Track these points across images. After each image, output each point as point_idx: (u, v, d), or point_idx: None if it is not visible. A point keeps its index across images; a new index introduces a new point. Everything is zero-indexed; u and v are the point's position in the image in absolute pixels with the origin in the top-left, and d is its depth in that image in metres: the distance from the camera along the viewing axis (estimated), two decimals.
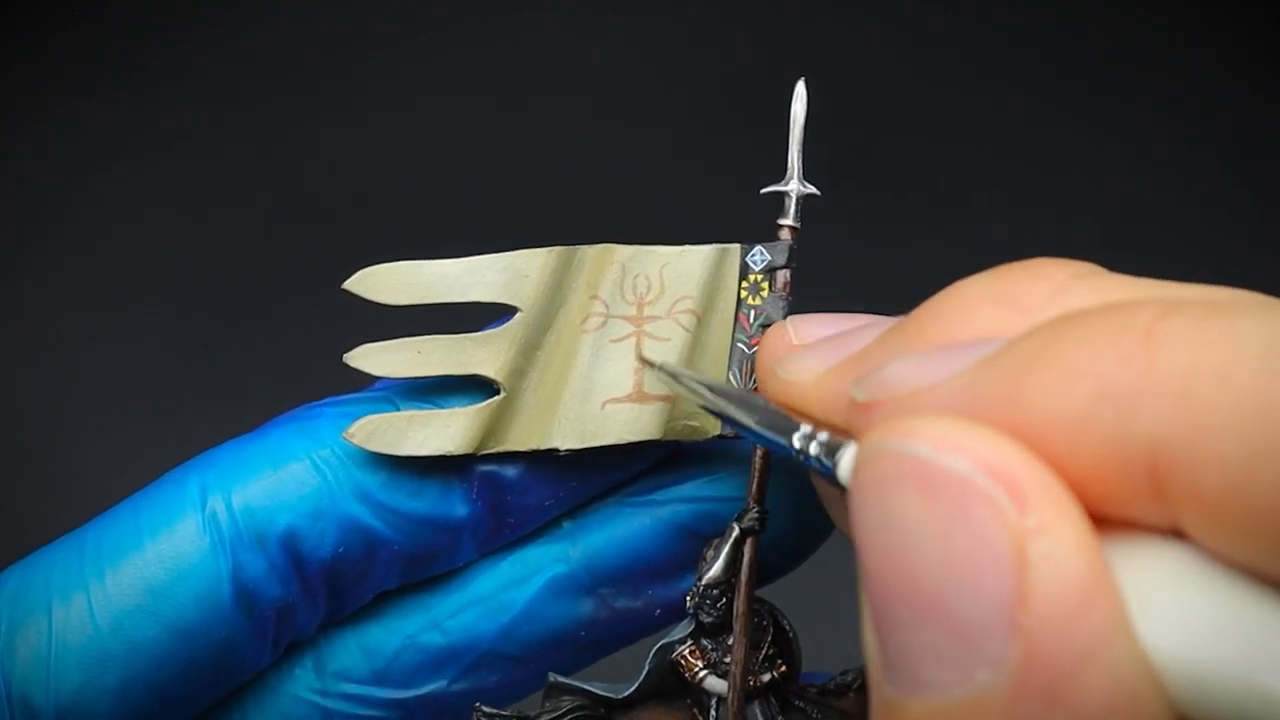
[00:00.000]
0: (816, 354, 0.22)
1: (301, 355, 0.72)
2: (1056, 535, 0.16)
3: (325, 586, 0.28)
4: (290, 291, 0.75)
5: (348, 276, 0.28)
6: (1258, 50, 0.77)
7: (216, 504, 0.27)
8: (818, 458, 0.20)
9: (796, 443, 0.21)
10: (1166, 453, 0.16)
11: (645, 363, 0.28)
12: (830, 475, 0.20)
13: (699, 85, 0.80)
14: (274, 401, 0.69)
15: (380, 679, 0.29)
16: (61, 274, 0.74)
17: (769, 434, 0.22)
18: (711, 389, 0.24)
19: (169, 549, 0.27)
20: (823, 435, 0.20)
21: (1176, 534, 0.16)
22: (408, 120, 0.80)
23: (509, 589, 0.29)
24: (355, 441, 0.27)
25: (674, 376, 0.26)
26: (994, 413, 0.17)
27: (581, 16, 0.81)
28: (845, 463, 0.19)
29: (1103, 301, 0.18)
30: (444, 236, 0.75)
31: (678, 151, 0.79)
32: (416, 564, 0.28)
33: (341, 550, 0.27)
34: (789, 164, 0.29)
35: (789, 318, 0.26)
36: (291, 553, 0.27)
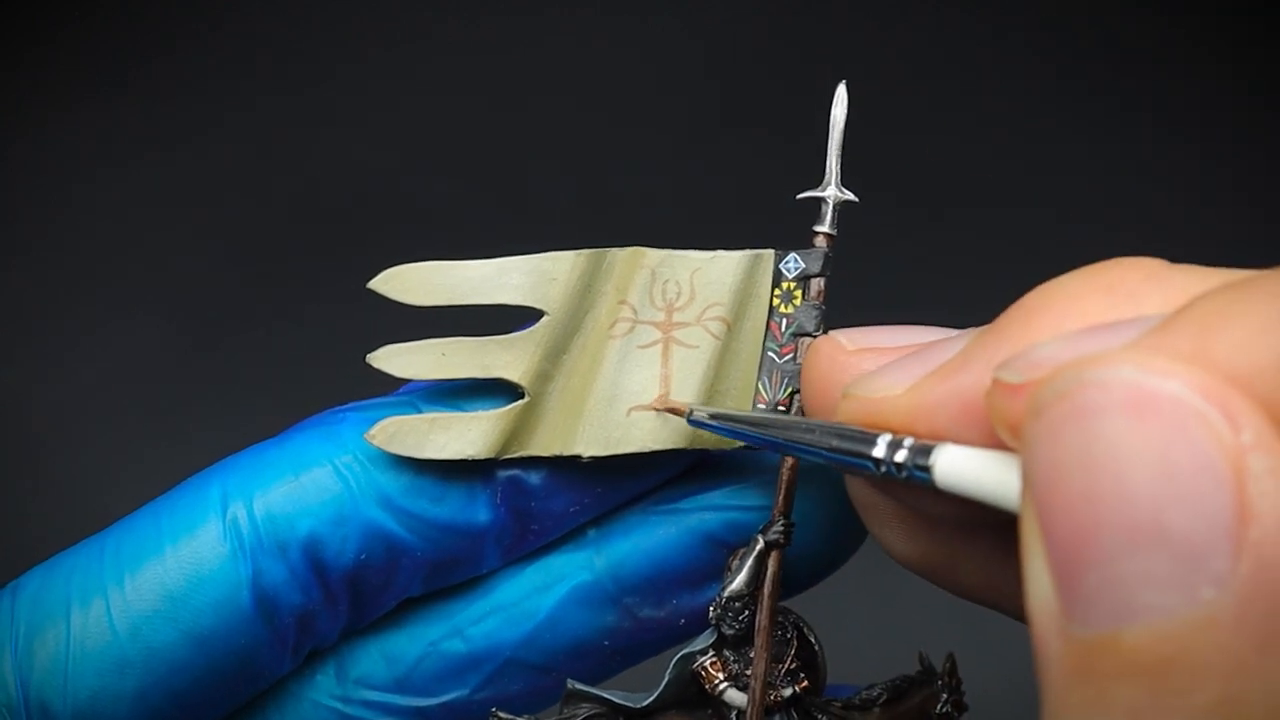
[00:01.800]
0: (899, 369, 0.22)
1: (300, 355, 0.72)
2: (1273, 449, 0.16)
3: (347, 593, 0.27)
4: (289, 291, 0.75)
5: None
6: (1259, 53, 0.77)
7: (238, 510, 0.27)
8: (906, 464, 0.20)
9: (879, 452, 0.21)
10: None
11: (673, 413, 0.27)
12: (924, 479, 0.20)
13: (700, 86, 0.79)
14: (272, 402, 0.68)
15: (402, 686, 0.29)
16: (62, 274, 0.74)
17: (843, 451, 0.22)
18: (757, 423, 0.25)
19: (189, 555, 0.26)
20: (908, 440, 0.21)
21: None
22: (408, 120, 0.79)
23: (532, 596, 0.29)
24: (376, 443, 0.27)
25: (711, 418, 0.26)
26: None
27: (583, 17, 0.80)
28: (944, 462, 0.20)
29: (1200, 289, 0.18)
30: (444, 236, 0.74)
31: (677, 152, 0.78)
32: (440, 571, 0.28)
33: (364, 557, 0.27)
34: (827, 169, 0.28)
35: (832, 332, 0.26)
36: (313, 560, 0.27)
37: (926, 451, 0.20)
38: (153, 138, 0.76)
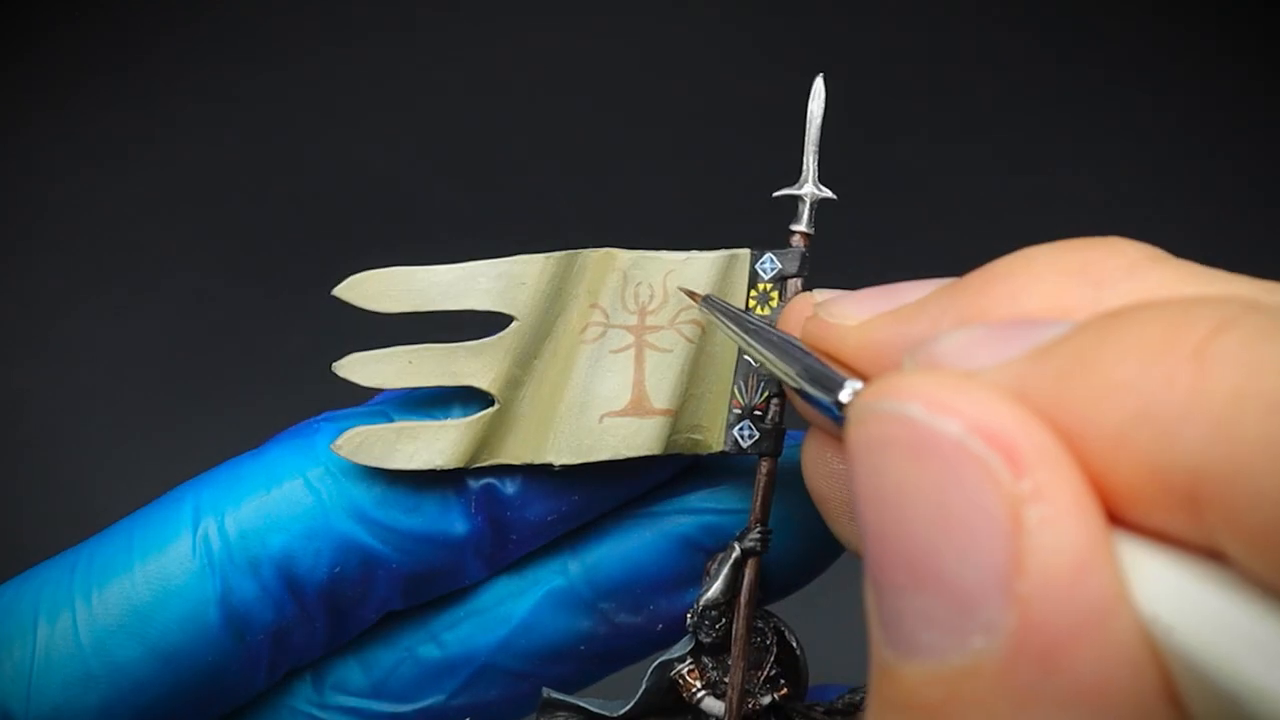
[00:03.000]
0: (864, 300, 0.21)
1: (298, 357, 0.71)
2: (1054, 501, 0.15)
3: (324, 609, 0.27)
4: (289, 291, 0.74)
5: (349, 276, 0.26)
6: (1261, 47, 0.76)
7: (209, 526, 0.26)
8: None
9: (845, 398, 0.20)
10: (1207, 482, 0.15)
11: (688, 294, 0.26)
12: None
13: (700, 86, 0.78)
14: (273, 401, 0.68)
15: (378, 691, 0.28)
16: (62, 274, 0.73)
17: (811, 389, 0.21)
18: (751, 332, 0.24)
19: (156, 570, 0.26)
20: (853, 383, 0.20)
21: (1213, 554, 0.15)
22: (407, 120, 0.78)
23: (507, 601, 0.28)
24: (343, 454, 0.26)
25: (713, 310, 0.25)
26: (1039, 408, 0.16)
27: (582, 17, 0.79)
28: None
29: (1175, 291, 0.17)
30: (443, 237, 0.74)
31: (677, 152, 0.77)
32: (420, 583, 0.27)
33: (338, 570, 0.26)
34: (804, 166, 0.27)
35: (814, 290, 0.25)
36: (286, 575, 0.26)
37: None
38: (153, 138, 0.76)
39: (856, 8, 0.78)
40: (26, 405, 0.70)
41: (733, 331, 0.25)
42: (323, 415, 0.28)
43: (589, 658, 0.29)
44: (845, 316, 0.21)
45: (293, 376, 0.68)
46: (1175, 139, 0.75)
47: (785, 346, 0.23)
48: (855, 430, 0.17)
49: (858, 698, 0.29)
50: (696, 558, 0.28)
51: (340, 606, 0.27)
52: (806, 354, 0.22)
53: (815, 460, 0.25)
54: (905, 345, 0.20)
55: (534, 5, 0.79)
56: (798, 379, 0.21)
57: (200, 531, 0.26)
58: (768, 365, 0.23)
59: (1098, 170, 0.75)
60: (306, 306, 0.71)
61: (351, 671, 0.28)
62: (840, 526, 0.25)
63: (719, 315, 0.25)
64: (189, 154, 0.75)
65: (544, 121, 0.77)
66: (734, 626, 0.27)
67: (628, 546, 0.28)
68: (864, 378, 0.20)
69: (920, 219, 0.74)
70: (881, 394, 0.16)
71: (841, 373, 0.20)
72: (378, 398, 0.28)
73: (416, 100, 0.78)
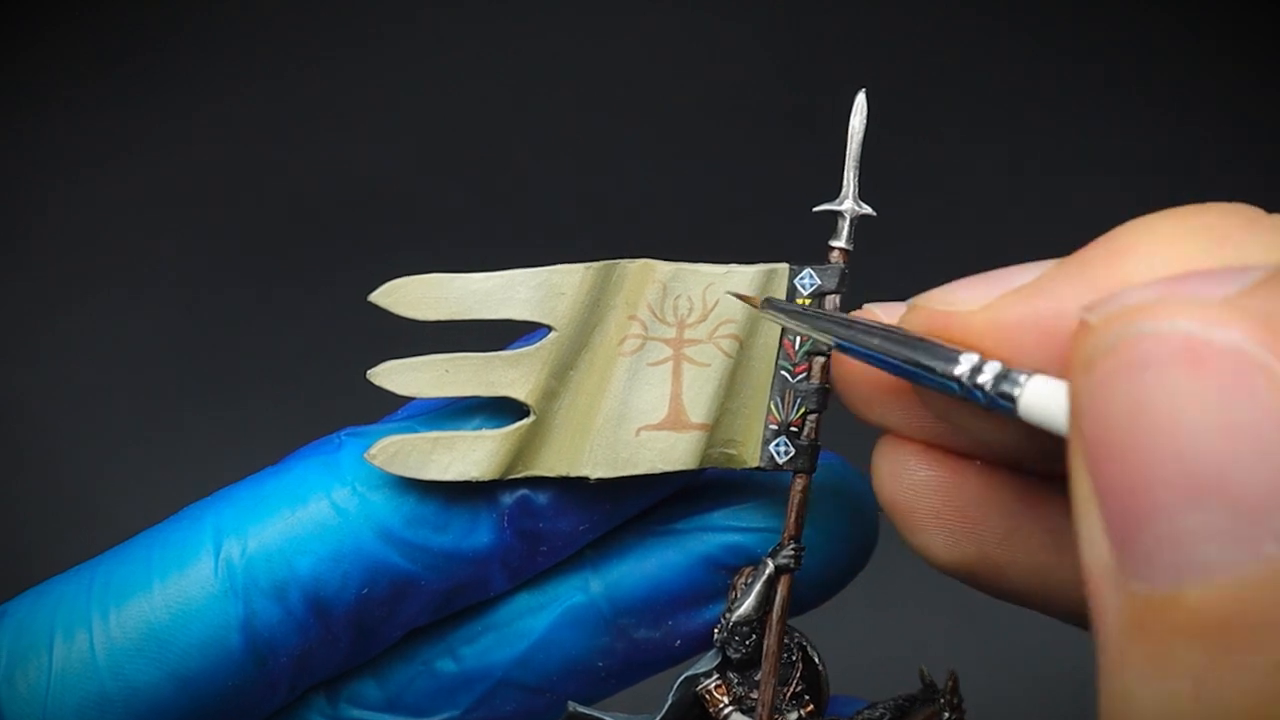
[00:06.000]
0: (971, 286, 0.20)
1: (298, 358, 0.69)
2: None
3: (349, 630, 0.25)
4: (289, 294, 0.72)
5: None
6: (1261, 48, 0.76)
7: (231, 548, 0.24)
8: (988, 388, 0.19)
9: (961, 373, 0.19)
10: None
11: (742, 299, 0.25)
12: (1007, 407, 0.19)
13: (707, 89, 0.77)
14: (270, 405, 0.66)
15: (392, 705, 0.27)
16: (61, 274, 0.71)
17: (918, 364, 0.20)
18: (839, 323, 0.23)
19: (176, 592, 0.24)
20: (993, 364, 0.19)
21: None
22: (410, 122, 0.77)
23: (526, 617, 0.27)
24: (377, 463, 0.25)
25: (776, 312, 0.24)
26: None
27: (591, 18, 0.78)
28: (1032, 391, 0.18)
29: None
30: (446, 239, 0.72)
31: (683, 153, 0.76)
32: (448, 599, 0.26)
33: (365, 592, 0.25)
34: (844, 182, 0.26)
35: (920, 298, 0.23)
36: (312, 599, 0.24)
37: (1012, 379, 0.19)
38: (153, 138, 0.74)
39: (868, 10, 0.77)
40: (26, 405, 0.68)
41: (808, 328, 0.24)
42: (345, 430, 0.26)
43: (607, 674, 0.27)
44: (962, 302, 0.20)
45: (291, 377, 0.67)
46: (1188, 139, 0.75)
47: (881, 333, 0.21)
48: (1109, 356, 0.16)
49: (877, 713, 0.28)
50: (718, 575, 0.27)
51: (366, 626, 0.25)
52: (915, 338, 0.21)
53: (894, 471, 0.23)
54: (1036, 323, 0.19)
55: (546, 7, 0.78)
56: (926, 362, 0.20)
57: (222, 554, 0.24)
58: (859, 353, 0.22)
59: (1118, 174, 0.74)
60: (306, 307, 0.70)
61: (366, 685, 0.27)
62: (923, 538, 0.23)
63: (785, 316, 0.24)
64: (188, 154, 0.73)
65: (555, 125, 0.76)
66: (765, 643, 0.26)
67: (649, 563, 0.27)
68: (993, 356, 0.19)
69: (941, 228, 0.73)
70: (1146, 317, 0.16)
71: (957, 349, 0.20)
72: (401, 411, 0.27)
73: (419, 101, 0.76)
